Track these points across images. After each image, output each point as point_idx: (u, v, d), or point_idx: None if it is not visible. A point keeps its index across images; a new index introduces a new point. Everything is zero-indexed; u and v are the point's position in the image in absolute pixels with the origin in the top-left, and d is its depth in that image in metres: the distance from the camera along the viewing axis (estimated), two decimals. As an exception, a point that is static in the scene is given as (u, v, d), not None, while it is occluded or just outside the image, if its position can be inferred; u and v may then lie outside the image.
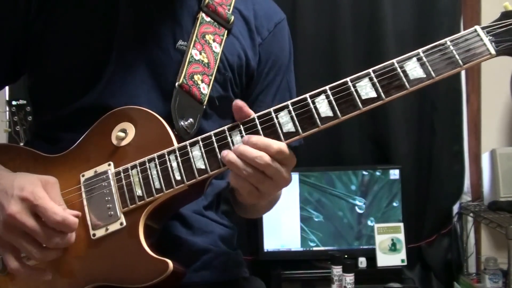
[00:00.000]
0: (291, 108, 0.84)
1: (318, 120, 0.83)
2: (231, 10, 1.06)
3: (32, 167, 0.93)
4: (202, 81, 0.99)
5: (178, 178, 0.86)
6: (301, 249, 2.29)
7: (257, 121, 0.85)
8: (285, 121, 0.84)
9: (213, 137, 0.86)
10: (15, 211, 0.82)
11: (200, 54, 1.00)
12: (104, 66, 0.98)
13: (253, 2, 1.10)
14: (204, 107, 1.00)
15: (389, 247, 2.22)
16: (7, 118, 2.00)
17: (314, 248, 2.29)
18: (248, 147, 0.82)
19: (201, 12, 1.02)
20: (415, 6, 2.39)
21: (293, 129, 0.84)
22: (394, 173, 2.30)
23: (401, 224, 2.26)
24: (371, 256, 2.23)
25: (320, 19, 2.40)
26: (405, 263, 2.23)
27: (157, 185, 0.87)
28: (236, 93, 1.06)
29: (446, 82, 2.42)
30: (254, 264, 2.27)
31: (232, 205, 1.15)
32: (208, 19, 1.03)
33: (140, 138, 0.91)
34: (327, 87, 0.84)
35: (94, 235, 0.89)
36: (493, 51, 0.82)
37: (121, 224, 0.88)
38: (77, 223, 0.85)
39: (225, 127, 0.87)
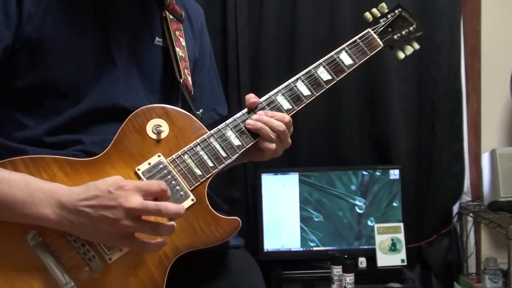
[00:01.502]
0: (283, 92, 1.16)
1: (324, 84, 1.19)
2: (179, 5, 1.20)
3: (72, 174, 0.97)
4: (187, 74, 1.16)
5: (224, 155, 1.07)
6: (301, 249, 2.29)
7: (264, 104, 1.14)
8: (283, 101, 1.15)
9: (238, 120, 1.11)
10: (129, 202, 0.87)
11: (180, 50, 1.15)
12: (107, 68, 1.05)
13: (181, 1, 1.24)
14: (193, 96, 1.17)
15: (389, 247, 2.22)
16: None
17: (314, 248, 2.29)
18: (270, 119, 1.10)
19: (165, 11, 1.15)
20: (415, 6, 2.39)
21: (290, 107, 1.15)
22: (394, 173, 2.30)
23: (401, 224, 2.26)
24: (371, 256, 2.23)
25: (320, 19, 2.39)
26: (405, 263, 2.23)
27: (210, 164, 1.06)
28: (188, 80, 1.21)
29: (446, 82, 2.42)
30: (254, 264, 2.27)
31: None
32: (171, 16, 1.16)
33: (175, 130, 1.05)
34: (321, 60, 1.20)
35: None
36: (381, 44, 1.29)
37: (192, 200, 1.03)
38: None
39: (244, 111, 1.12)
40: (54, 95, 1.02)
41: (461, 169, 2.46)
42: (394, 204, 2.30)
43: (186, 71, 1.14)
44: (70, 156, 0.99)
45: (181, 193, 1.03)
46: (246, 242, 2.34)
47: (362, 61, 1.24)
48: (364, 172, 2.31)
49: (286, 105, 1.15)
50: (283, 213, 2.27)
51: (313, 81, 1.17)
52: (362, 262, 2.23)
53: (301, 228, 2.29)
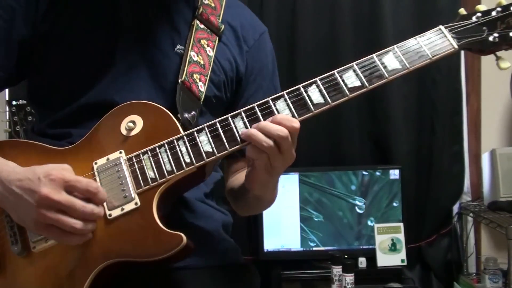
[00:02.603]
0: (286, 96, 0.96)
1: (311, 106, 0.95)
2: (220, 19, 1.17)
3: (45, 160, 0.98)
4: (200, 80, 1.09)
5: (188, 160, 0.95)
6: (301, 249, 2.29)
7: (257, 109, 0.96)
8: (282, 108, 0.96)
9: (218, 124, 0.97)
10: (48, 191, 0.87)
11: (197, 56, 1.10)
12: (108, 66, 1.06)
13: (239, 15, 1.21)
14: (201, 103, 1.09)
15: (389, 247, 2.22)
16: (7, 118, 2.00)
17: (314, 248, 2.29)
18: (268, 123, 0.93)
19: (195, 20, 1.12)
20: (415, 6, 2.39)
21: (290, 115, 0.96)
22: (394, 173, 2.30)
23: (401, 224, 2.26)
24: (371, 256, 2.23)
25: (320, 19, 2.40)
26: (405, 263, 2.23)
27: (168, 168, 0.96)
28: (228, 96, 1.17)
29: (446, 82, 2.43)
30: (254, 264, 2.27)
31: (232, 203, 1.21)
32: (202, 26, 1.13)
33: (148, 128, 1.00)
34: (317, 78, 0.97)
35: (110, 215, 0.94)
36: (456, 45, 0.99)
37: (136, 204, 0.95)
38: (105, 193, 0.93)
39: (228, 115, 0.97)
40: (57, 90, 1.08)
41: (461, 169, 2.46)
42: (394, 204, 2.30)
43: (196, 76, 1.09)
44: (60, 146, 1.02)
45: (126, 194, 0.95)
46: (246, 242, 2.36)
47: (416, 66, 0.97)
48: (364, 172, 2.31)
49: (285, 112, 0.96)
50: (283, 213, 2.27)
51: (332, 86, 0.96)
52: (362, 262, 2.23)
53: (301, 228, 2.29)
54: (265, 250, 2.28)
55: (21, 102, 1.94)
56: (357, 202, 2.30)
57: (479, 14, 1.00)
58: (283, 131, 0.91)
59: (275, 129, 0.92)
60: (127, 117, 1.00)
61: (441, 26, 1.00)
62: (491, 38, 0.98)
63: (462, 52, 2.44)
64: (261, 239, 2.27)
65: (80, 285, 0.93)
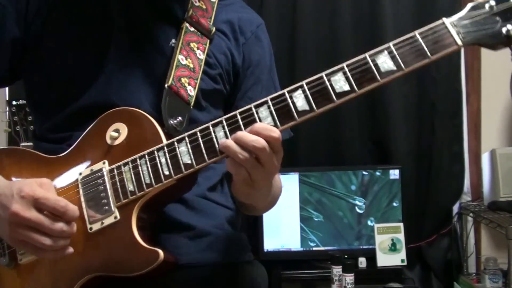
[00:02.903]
0: (270, 103, 0.89)
1: (295, 114, 0.87)
2: (212, 21, 1.14)
3: (36, 169, 1.00)
4: (189, 84, 1.06)
5: (167, 173, 0.92)
6: (301, 249, 2.29)
7: (238, 117, 0.90)
8: (265, 115, 0.89)
9: (198, 134, 0.91)
10: (18, 209, 0.87)
11: (186, 59, 1.07)
12: (103, 67, 1.05)
13: (234, 9, 1.20)
14: (192, 108, 1.06)
15: (389, 247, 2.22)
16: (7, 118, 2.00)
17: (314, 248, 2.29)
18: (245, 133, 0.86)
19: (185, 22, 1.11)
20: (415, 6, 2.39)
21: (272, 123, 0.88)
22: (394, 173, 2.30)
23: (401, 224, 2.26)
24: (371, 256, 2.23)
25: (320, 19, 2.40)
26: (405, 263, 2.23)
27: (147, 180, 0.93)
28: (227, 88, 1.15)
29: (446, 82, 2.43)
30: (254, 264, 2.27)
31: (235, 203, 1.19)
32: (192, 29, 1.11)
33: (132, 137, 0.97)
34: (303, 82, 0.88)
35: (91, 228, 0.94)
36: (459, 42, 0.85)
37: (115, 217, 0.93)
38: (77, 210, 0.90)
39: (210, 124, 0.91)
40: (52, 91, 1.07)
41: (461, 169, 2.46)
42: (394, 204, 2.30)
43: (184, 80, 1.06)
44: (60, 149, 1.03)
45: (106, 207, 0.94)
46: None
47: (413, 66, 0.86)
48: (364, 172, 2.31)
49: (267, 120, 0.88)
50: (283, 213, 2.27)
51: (318, 92, 0.87)
52: (362, 262, 2.23)
53: (301, 228, 2.29)
54: (265, 250, 2.27)
55: (21, 102, 1.94)
56: (357, 202, 2.30)
57: (492, 2, 0.86)
58: (259, 142, 0.84)
59: (250, 140, 0.85)
60: (112, 125, 0.99)
61: (444, 19, 0.88)
62: (504, 30, 0.85)
63: (462, 52, 2.44)
64: (261, 239, 2.27)
65: None
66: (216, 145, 0.90)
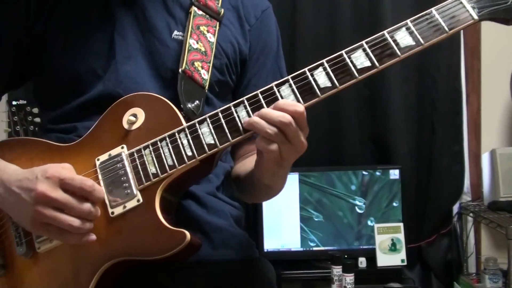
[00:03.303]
0: (291, 81, 0.90)
1: (317, 91, 0.89)
2: (220, 3, 1.13)
3: (49, 158, 0.98)
4: (202, 67, 1.06)
5: (190, 154, 0.92)
6: (301, 249, 2.29)
7: (260, 96, 0.90)
8: (287, 94, 0.90)
9: (220, 114, 0.92)
10: (44, 189, 0.86)
11: (197, 43, 1.06)
12: (107, 59, 1.04)
13: None
14: (206, 91, 1.06)
15: (389, 247, 2.22)
16: (7, 118, 2.00)
17: (314, 248, 2.29)
18: (269, 109, 0.87)
19: (193, 6, 1.09)
20: (415, 6, 2.39)
21: (295, 100, 0.89)
22: (394, 173, 2.30)
23: (401, 224, 2.25)
24: (371, 256, 2.23)
25: (320, 19, 2.40)
26: (405, 263, 2.23)
27: (170, 162, 0.92)
28: (233, 79, 1.13)
29: (446, 82, 2.42)
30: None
31: (236, 190, 1.18)
32: (200, 12, 1.09)
33: (150, 121, 0.97)
34: (323, 60, 0.89)
35: (112, 213, 0.93)
36: (476, 17, 0.88)
37: (138, 201, 0.92)
38: (103, 191, 0.91)
39: (231, 104, 0.92)
40: (58, 88, 1.07)
41: (461, 169, 2.46)
42: (394, 204, 2.30)
43: (197, 63, 1.05)
44: (74, 140, 1.01)
45: (127, 191, 0.93)
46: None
47: (432, 41, 0.88)
48: (364, 172, 2.31)
49: (290, 98, 0.90)
50: (283, 213, 2.27)
51: (339, 68, 0.89)
52: (362, 262, 2.23)
53: (301, 228, 2.29)
54: (265, 250, 2.27)
55: (21, 102, 1.94)
56: (357, 202, 2.30)
57: None
58: (285, 117, 0.86)
59: (276, 115, 0.86)
60: (128, 110, 0.98)
61: None
62: None
63: (462, 52, 2.44)
64: (261, 239, 2.27)
65: (85, 285, 0.91)
66: (239, 124, 0.91)
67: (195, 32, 1.07)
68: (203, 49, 1.07)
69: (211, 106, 1.08)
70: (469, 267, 2.46)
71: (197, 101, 1.03)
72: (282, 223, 2.28)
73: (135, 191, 0.93)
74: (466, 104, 2.49)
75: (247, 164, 1.12)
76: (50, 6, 1.06)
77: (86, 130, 1.01)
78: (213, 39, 1.09)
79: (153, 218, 0.91)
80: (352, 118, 2.41)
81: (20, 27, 1.05)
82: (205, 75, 1.06)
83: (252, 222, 2.30)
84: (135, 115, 0.97)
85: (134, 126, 0.97)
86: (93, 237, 0.90)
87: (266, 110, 0.87)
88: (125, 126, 0.97)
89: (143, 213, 0.92)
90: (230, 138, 0.91)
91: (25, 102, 1.94)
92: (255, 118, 0.88)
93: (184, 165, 0.92)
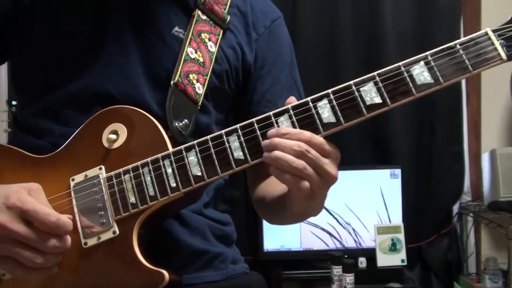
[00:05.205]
0: (292, 112, 0.80)
1: (320, 126, 0.79)
2: (227, 9, 1.03)
3: (19, 169, 0.90)
4: (197, 80, 0.96)
5: (174, 185, 0.82)
6: (301, 249, 2.29)
7: (256, 126, 0.81)
8: (286, 126, 0.80)
9: (210, 142, 0.82)
10: (4, 220, 0.77)
11: (196, 52, 0.97)
12: (99, 49, 0.94)
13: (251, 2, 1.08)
14: (199, 107, 0.97)
15: (389, 247, 2.22)
16: (7, 118, 2.00)
17: (314, 248, 2.29)
18: (281, 139, 0.77)
19: (197, 10, 1.00)
20: (415, 6, 2.39)
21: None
22: (394, 173, 2.30)
23: (401, 224, 2.26)
24: (371, 256, 2.23)
25: (320, 19, 2.40)
26: (405, 263, 2.23)
27: (151, 192, 0.83)
28: (232, 88, 1.03)
29: (446, 82, 2.42)
30: (254, 264, 2.26)
31: (262, 213, 1.09)
32: (204, 17, 1.00)
33: (133, 141, 0.87)
34: (329, 91, 0.79)
35: (85, 243, 0.85)
36: (504, 56, 0.76)
37: (114, 232, 0.84)
38: (72, 224, 0.81)
39: (223, 131, 0.82)
40: (42, 75, 0.97)
41: (461, 169, 2.46)
42: (394, 204, 2.30)
43: (193, 76, 0.95)
44: (45, 147, 0.93)
45: (103, 220, 0.84)
46: (246, 242, 2.35)
47: (452, 81, 0.77)
48: (364, 172, 2.31)
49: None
50: (283, 213, 2.27)
51: (346, 102, 0.79)
52: (362, 262, 2.23)
53: (301, 228, 2.29)
54: (265, 250, 2.27)
55: (21, 102, 1.94)
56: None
57: None
58: (298, 145, 0.76)
59: (290, 144, 0.76)
60: (109, 125, 0.89)
61: (488, 29, 0.77)
62: None
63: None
64: (261, 239, 2.27)
65: None
66: (231, 157, 0.81)
67: (195, 39, 0.97)
68: (201, 59, 0.97)
69: (205, 114, 1.00)
70: (469, 267, 2.47)
71: (186, 120, 0.93)
72: (282, 223, 2.28)
73: (111, 221, 0.84)
74: (466, 104, 2.49)
75: (273, 185, 1.00)
76: None
77: (62, 138, 0.92)
78: (213, 48, 0.99)
79: (130, 254, 0.82)
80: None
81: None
82: (199, 89, 0.96)
83: (252, 222, 2.30)
84: (116, 132, 0.88)
85: (115, 145, 0.87)
86: (54, 270, 0.81)
87: (278, 140, 0.77)
88: (105, 144, 0.88)
89: (119, 246, 0.83)
90: (220, 172, 0.81)
91: (25, 102, 1.94)
92: (277, 153, 0.76)
93: (166, 197, 0.83)
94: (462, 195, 2.47)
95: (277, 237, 2.28)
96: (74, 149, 0.90)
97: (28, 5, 0.95)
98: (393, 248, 2.22)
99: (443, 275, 2.45)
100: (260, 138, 0.80)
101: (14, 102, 1.94)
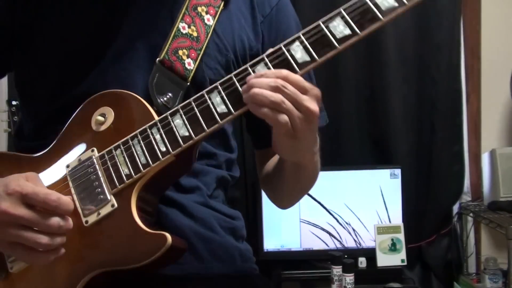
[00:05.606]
0: (267, 60, 0.82)
1: (295, 66, 0.81)
2: None
3: (17, 170, 0.89)
4: (188, 56, 0.95)
5: (163, 149, 0.84)
6: (301, 249, 2.29)
7: (234, 79, 0.83)
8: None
9: (193, 103, 0.84)
10: (6, 206, 0.78)
11: (189, 27, 0.95)
12: (97, 56, 0.95)
13: None
14: (189, 83, 0.95)
15: (389, 247, 2.22)
16: (7, 118, 2.00)
17: (314, 248, 2.29)
18: (258, 78, 0.79)
19: None
20: (415, 6, 2.39)
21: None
22: (394, 173, 2.30)
23: (401, 224, 2.26)
24: (371, 256, 2.23)
25: (320, 18, 2.39)
26: (405, 263, 2.23)
27: (143, 160, 0.85)
28: (234, 65, 1.00)
29: (446, 82, 2.42)
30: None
31: (269, 192, 1.10)
32: None
33: (120, 120, 0.89)
34: (299, 33, 0.82)
35: (86, 222, 0.85)
36: None
37: (113, 206, 0.85)
38: (72, 203, 0.82)
39: (204, 91, 0.84)
40: (46, 83, 0.98)
41: (461, 169, 2.46)
42: (394, 204, 2.30)
43: (183, 51, 0.94)
44: (41, 147, 0.94)
45: (101, 196, 0.85)
46: (246, 242, 2.35)
47: (414, 1, 0.82)
48: (364, 172, 2.31)
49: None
50: (283, 213, 2.27)
51: (317, 40, 0.83)
52: (362, 262, 2.23)
53: (301, 228, 2.29)
54: (265, 250, 2.27)
55: (21, 102, 1.94)
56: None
57: None
58: (275, 82, 0.78)
59: (267, 81, 0.78)
60: (97, 109, 0.90)
61: None
62: None
63: (462, 52, 2.45)
64: (261, 239, 2.27)
65: None
66: (214, 112, 0.83)
67: (189, 13, 0.95)
68: (195, 34, 0.95)
69: (202, 88, 0.93)
70: (469, 267, 2.47)
71: (170, 94, 0.92)
72: (282, 223, 2.28)
73: (108, 195, 0.85)
74: (466, 104, 2.49)
75: (274, 159, 1.04)
76: None
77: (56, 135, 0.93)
78: (211, 21, 0.96)
79: (130, 223, 0.83)
80: (352, 118, 2.41)
81: (6, 12, 0.97)
82: (190, 64, 0.94)
83: (252, 222, 2.30)
84: (103, 115, 0.90)
85: (103, 127, 0.89)
86: (62, 250, 0.82)
87: (255, 79, 0.79)
88: (94, 127, 0.90)
89: (119, 218, 0.84)
90: (206, 128, 0.83)
91: (25, 102, 1.93)
92: (256, 90, 0.78)
93: (158, 162, 0.84)
94: (462, 195, 2.47)
95: (277, 237, 2.28)
96: (66, 139, 0.92)
97: (28, 20, 0.96)
98: (393, 248, 2.22)
99: (443, 275, 2.45)
100: (240, 88, 0.82)
101: (14, 102, 1.95)
